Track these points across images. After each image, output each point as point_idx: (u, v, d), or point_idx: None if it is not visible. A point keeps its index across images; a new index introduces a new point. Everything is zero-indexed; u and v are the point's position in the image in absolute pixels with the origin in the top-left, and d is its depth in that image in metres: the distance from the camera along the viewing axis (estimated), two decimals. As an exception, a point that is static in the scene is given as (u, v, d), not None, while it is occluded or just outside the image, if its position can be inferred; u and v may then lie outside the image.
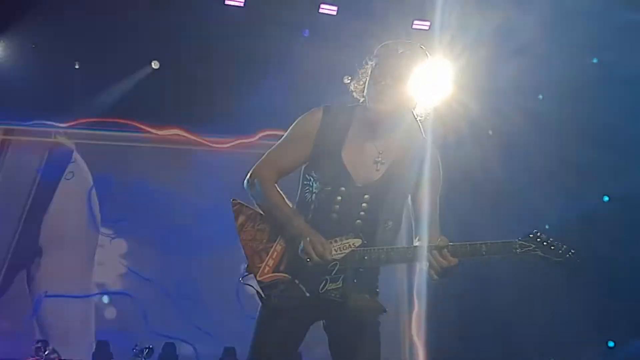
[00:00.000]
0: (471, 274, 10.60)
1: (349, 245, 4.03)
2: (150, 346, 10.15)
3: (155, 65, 11.03)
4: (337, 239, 4.03)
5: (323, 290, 4.04)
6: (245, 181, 4.20)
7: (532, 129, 9.99)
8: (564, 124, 9.97)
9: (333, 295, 4.05)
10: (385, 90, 4.07)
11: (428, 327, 11.34)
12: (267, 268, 4.06)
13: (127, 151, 12.00)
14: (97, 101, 11.26)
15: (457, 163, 10.08)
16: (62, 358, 9.98)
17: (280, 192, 4.18)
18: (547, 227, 10.12)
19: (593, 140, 9.81)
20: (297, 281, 4.04)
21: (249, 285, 4.12)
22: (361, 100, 4.21)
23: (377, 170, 4.12)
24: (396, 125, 4.15)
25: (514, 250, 3.98)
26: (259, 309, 4.17)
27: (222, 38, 10.09)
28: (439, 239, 4.04)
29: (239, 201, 4.18)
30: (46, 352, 9.81)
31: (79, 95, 11.15)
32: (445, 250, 3.97)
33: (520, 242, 3.99)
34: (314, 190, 4.12)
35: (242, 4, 9.72)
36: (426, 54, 4.22)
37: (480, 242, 3.97)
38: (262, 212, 4.16)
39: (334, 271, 4.02)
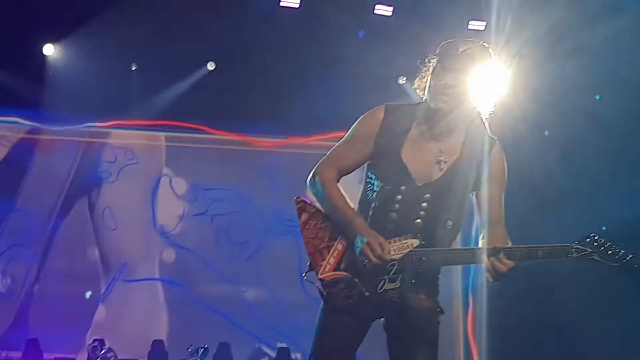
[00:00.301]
0: (533, 273, 10.56)
1: (407, 245, 4.04)
2: (206, 346, 10.21)
3: (210, 66, 11.11)
4: (396, 238, 4.04)
5: (381, 290, 4.06)
6: (308, 180, 4.24)
7: (592, 129, 9.87)
8: (623, 124, 9.84)
9: (391, 295, 4.06)
10: (445, 89, 4.05)
11: (487, 329, 11.24)
12: (328, 266, 4.09)
13: (185, 152, 12.08)
14: (153, 102, 11.36)
15: (515, 164, 9.97)
16: (119, 357, 10.08)
17: (342, 191, 4.19)
18: (603, 228, 10.05)
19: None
20: (356, 280, 4.05)
21: (311, 282, 4.16)
22: (423, 99, 4.18)
23: (440, 169, 4.10)
24: (457, 124, 4.13)
25: (570, 255, 3.94)
26: (320, 307, 4.21)
27: (277, 39, 10.12)
28: (500, 241, 4.03)
29: (302, 199, 4.23)
30: (102, 351, 9.92)
31: (136, 97, 11.26)
32: (502, 253, 3.95)
33: (576, 246, 3.94)
34: (375, 189, 4.12)
35: (297, 5, 9.74)
36: (489, 53, 4.19)
37: (537, 245, 3.95)
38: (324, 211, 4.21)
39: (392, 271, 4.03)
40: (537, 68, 9.74)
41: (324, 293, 4.10)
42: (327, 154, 4.25)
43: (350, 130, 4.22)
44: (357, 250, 3.99)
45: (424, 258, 4.03)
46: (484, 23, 9.59)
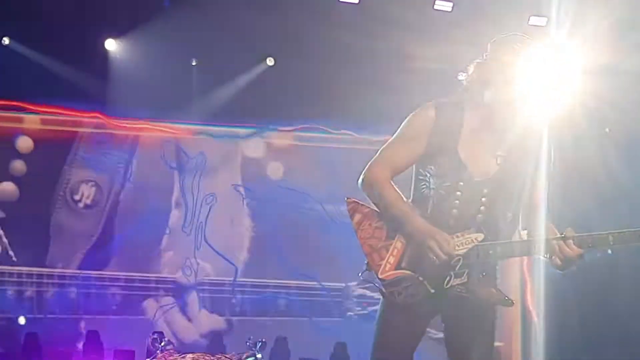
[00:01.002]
0: (592, 279, 10.47)
1: (472, 240, 4.06)
2: (264, 340, 10.27)
3: (270, 62, 11.16)
4: (459, 234, 4.06)
5: (448, 286, 4.08)
6: (360, 181, 4.23)
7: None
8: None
9: (459, 290, 4.09)
10: (497, 88, 4.11)
11: (545, 329, 11.16)
12: (389, 265, 4.09)
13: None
14: (212, 98, 11.44)
15: (575, 161, 9.91)
16: (178, 350, 10.18)
17: (397, 190, 4.20)
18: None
19: None
20: (420, 278, 4.07)
21: (370, 282, 4.17)
22: (475, 94, 4.20)
23: (497, 164, 4.14)
24: (511, 120, 4.16)
25: None
26: (379, 306, 4.24)
27: (335, 36, 10.14)
28: (566, 230, 4.07)
29: (353, 199, 4.22)
30: (162, 344, 10.02)
31: (196, 92, 11.35)
32: (571, 241, 4.00)
33: None
34: (432, 186, 4.14)
35: (357, 1, 9.75)
36: (542, 51, 4.16)
37: (607, 232, 4.00)
38: (378, 210, 4.19)
39: (458, 266, 4.05)
40: (599, 64, 9.63)
41: (386, 292, 4.10)
42: (378, 153, 4.23)
43: (400, 129, 4.22)
44: (426, 249, 3.99)
45: (491, 251, 4.06)
46: (545, 18, 9.51)
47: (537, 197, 4.25)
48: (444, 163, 4.12)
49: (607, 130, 10.46)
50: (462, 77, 11.08)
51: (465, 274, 4.08)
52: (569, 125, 9.75)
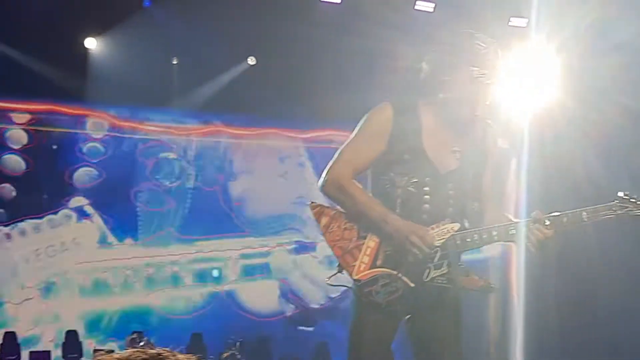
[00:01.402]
0: (571, 279, 10.54)
1: (448, 230, 4.10)
2: (242, 340, 10.28)
3: (251, 61, 11.16)
4: (434, 225, 4.08)
5: (428, 279, 4.09)
6: (323, 182, 4.15)
7: (631, 127, 9.81)
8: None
9: (440, 281, 4.11)
10: (451, 86, 4.13)
11: (525, 329, 11.21)
12: (363, 265, 4.05)
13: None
14: (193, 96, 11.43)
15: (554, 162, 9.97)
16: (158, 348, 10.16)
17: (363, 189, 4.17)
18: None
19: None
20: (399, 274, 4.06)
21: (336, 285, 4.15)
22: (429, 92, 4.22)
23: (457, 159, 4.18)
24: (464, 117, 4.18)
25: (613, 211, 4.15)
26: (352, 307, 4.20)
27: (317, 34, 10.14)
28: (534, 213, 4.12)
29: (318, 203, 4.18)
30: (141, 344, 10.00)
31: (176, 90, 11.34)
32: (547, 221, 4.07)
33: (618, 204, 4.17)
34: (398, 184, 4.12)
35: (338, 1, 9.76)
36: (498, 52, 4.20)
37: (580, 209, 4.11)
38: (344, 211, 4.14)
39: (437, 258, 4.07)
40: (577, 65, 9.69)
41: (364, 293, 4.06)
42: (338, 154, 4.18)
43: (359, 129, 4.18)
44: (407, 245, 4.00)
45: (468, 239, 4.10)
46: (526, 20, 9.55)
47: (488, 187, 4.28)
48: (410, 161, 4.13)
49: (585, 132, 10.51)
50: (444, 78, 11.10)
51: (444, 265, 4.10)
52: (549, 124, 9.83)
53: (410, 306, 4.16)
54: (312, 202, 4.18)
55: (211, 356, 10.33)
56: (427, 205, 4.12)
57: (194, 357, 2.15)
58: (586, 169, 10.12)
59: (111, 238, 11.73)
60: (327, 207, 4.16)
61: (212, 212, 12.17)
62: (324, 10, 9.85)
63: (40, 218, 11.46)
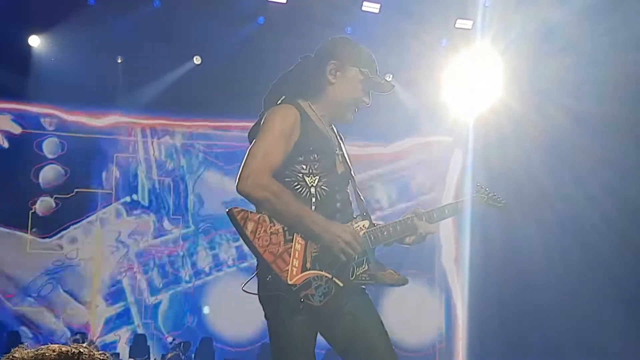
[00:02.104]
0: (513, 280, 10.63)
1: (360, 227, 4.13)
2: (187, 340, 10.24)
3: (197, 60, 11.09)
4: (348, 224, 4.10)
5: (353, 277, 4.09)
6: (243, 182, 3.99)
7: (575, 128, 9.93)
8: (607, 124, 9.89)
9: (363, 278, 4.12)
10: (361, 104, 4.31)
11: (468, 328, 11.29)
12: (295, 269, 3.98)
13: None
14: (138, 95, 11.33)
15: (499, 163, 10.05)
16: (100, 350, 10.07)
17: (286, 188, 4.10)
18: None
19: (635, 140, 9.74)
20: (329, 275, 4.03)
21: (251, 293, 4.03)
22: (317, 94, 4.28)
23: (340, 157, 4.25)
24: (345, 119, 4.34)
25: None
26: (270, 312, 4.09)
27: (263, 34, 10.11)
28: (415, 209, 4.32)
29: (241, 208, 4.01)
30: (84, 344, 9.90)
31: (121, 89, 11.23)
32: (424, 216, 4.27)
33: (476, 195, 4.62)
34: (312, 184, 4.11)
35: (284, 1, 9.73)
36: (367, 55, 4.36)
37: (445, 204, 4.48)
38: (270, 212, 4.03)
39: (357, 256, 4.07)
40: (522, 67, 9.78)
41: (300, 296, 3.96)
42: (251, 155, 4.04)
43: (268, 129, 4.09)
44: (342, 248, 3.98)
45: (379, 235, 4.17)
46: (471, 22, 9.61)
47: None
48: (319, 160, 4.12)
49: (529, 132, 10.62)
50: (388, 78, 11.25)
51: (364, 262, 4.12)
52: (494, 125, 9.90)
53: (341, 306, 4.10)
54: (234, 208, 3.99)
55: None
56: (339, 204, 4.14)
57: (109, 353, 2.12)
58: (530, 170, 10.23)
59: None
60: (251, 212, 4.01)
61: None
62: (271, 9, 9.81)
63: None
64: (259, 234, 3.96)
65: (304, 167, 4.10)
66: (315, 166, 4.10)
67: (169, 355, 9.90)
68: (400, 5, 9.45)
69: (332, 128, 4.36)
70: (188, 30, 10.18)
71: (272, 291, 3.98)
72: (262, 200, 3.99)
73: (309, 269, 4.01)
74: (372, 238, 4.15)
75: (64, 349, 2.10)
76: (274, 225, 4.00)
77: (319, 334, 4.14)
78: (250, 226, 3.96)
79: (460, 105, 10.39)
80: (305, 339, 4.08)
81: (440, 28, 9.63)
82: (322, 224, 4.01)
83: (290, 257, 3.98)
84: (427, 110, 10.65)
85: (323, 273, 4.03)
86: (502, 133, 10.21)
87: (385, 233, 4.19)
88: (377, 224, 4.23)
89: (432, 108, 10.54)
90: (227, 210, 3.98)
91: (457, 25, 9.69)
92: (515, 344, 10.69)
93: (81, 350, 2.09)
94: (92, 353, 2.09)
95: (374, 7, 9.55)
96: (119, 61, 11.09)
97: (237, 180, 3.98)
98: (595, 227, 10.17)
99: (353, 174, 4.30)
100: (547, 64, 9.57)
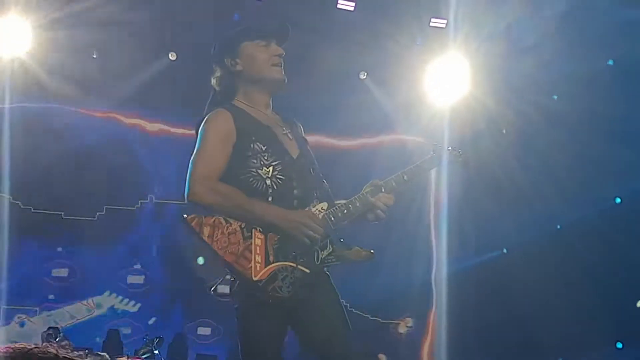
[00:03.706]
0: (491, 280, 10.67)
1: (320, 210, 4.20)
2: (161, 336, 10.19)
3: (172, 57, 11.03)
4: (307, 209, 4.17)
5: (319, 262, 4.15)
6: (192, 190, 4.09)
7: (548, 127, 9.97)
8: (579, 121, 9.94)
9: (330, 260, 4.20)
10: (257, 78, 4.44)
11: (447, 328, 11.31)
12: (259, 265, 4.01)
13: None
14: (112, 91, 11.22)
15: (474, 161, 10.07)
16: (74, 345, 10.03)
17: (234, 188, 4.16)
18: (558, 227, 10.19)
19: (609, 137, 9.79)
20: (294, 264, 4.07)
21: (222, 295, 4.09)
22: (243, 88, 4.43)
23: (291, 140, 4.36)
24: (273, 91, 4.54)
25: (434, 163, 4.69)
26: (238, 311, 4.14)
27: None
28: (371, 182, 4.42)
29: (193, 215, 4.05)
30: (57, 339, 9.85)
31: (96, 84, 11.11)
32: (382, 188, 4.36)
33: (433, 155, 4.66)
34: (265, 176, 4.16)
35: (258, -1, 9.71)
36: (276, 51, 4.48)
37: (403, 171, 4.48)
38: (221, 215, 4.07)
39: (319, 239, 4.14)
40: (495, 65, 9.82)
41: (268, 291, 3.99)
42: (196, 163, 4.14)
43: (206, 135, 4.20)
44: (302, 235, 4.05)
45: (339, 214, 4.23)
46: (445, 21, 9.63)
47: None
48: (270, 149, 4.21)
49: (504, 131, 10.65)
50: (363, 76, 11.21)
51: (328, 244, 4.19)
52: (468, 124, 9.94)
53: (309, 294, 4.15)
54: (187, 216, 4.04)
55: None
56: (296, 191, 4.19)
57: (69, 346, 2.11)
58: (505, 168, 10.27)
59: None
60: (205, 216, 4.04)
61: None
62: (245, 6, 9.78)
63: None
64: (216, 237, 3.99)
65: (254, 161, 4.17)
66: (265, 157, 4.17)
67: (142, 350, 9.86)
68: (375, 4, 9.46)
69: (275, 111, 4.47)
70: (162, 25, 10.13)
71: (240, 290, 4.03)
72: (213, 204, 4.06)
73: (272, 262, 4.04)
74: (333, 218, 4.20)
75: (35, 350, 2.09)
76: (231, 225, 4.04)
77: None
78: (206, 231, 3.99)
79: (435, 104, 10.41)
80: (275, 336, 4.14)
81: (414, 27, 9.63)
82: (278, 213, 4.07)
83: (251, 253, 4.00)
84: (402, 108, 10.66)
85: (287, 263, 4.07)
86: (477, 131, 10.25)
87: (345, 211, 4.24)
88: (337, 203, 4.27)
89: (407, 106, 10.55)
90: (183, 216, 4.02)
91: (431, 24, 9.71)
92: (494, 344, 10.72)
93: (35, 351, 2.07)
94: (46, 350, 2.07)
95: (349, 5, 9.54)
96: (94, 56, 11.00)
97: (185, 190, 4.06)
98: (572, 224, 10.23)
99: (310, 156, 4.38)
100: (521, 61, 9.61)
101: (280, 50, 4.43)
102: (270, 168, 4.16)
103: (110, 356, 9.31)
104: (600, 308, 9.95)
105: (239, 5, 9.87)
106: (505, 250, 11.04)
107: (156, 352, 9.88)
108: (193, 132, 4.31)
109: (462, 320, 10.83)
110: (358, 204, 4.29)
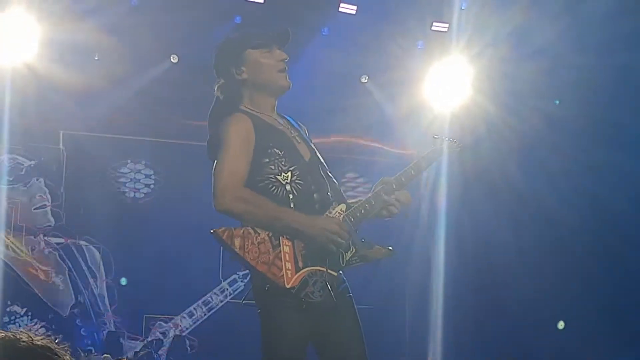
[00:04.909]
0: (488, 279, 10.67)
1: (339, 212, 4.21)
2: (160, 338, 10.19)
3: (173, 59, 11.02)
4: (328, 212, 4.19)
5: (344, 264, 4.19)
6: (220, 201, 4.07)
7: (549, 132, 9.99)
8: (580, 127, 9.96)
9: (354, 261, 4.23)
10: (262, 84, 4.41)
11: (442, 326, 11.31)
12: (289, 272, 4.03)
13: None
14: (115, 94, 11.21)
15: (473, 164, 10.08)
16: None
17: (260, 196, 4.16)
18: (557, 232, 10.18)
19: (610, 143, 9.80)
20: (323, 268, 4.09)
21: (251, 302, 4.13)
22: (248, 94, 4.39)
23: (300, 143, 4.35)
24: (277, 95, 4.50)
25: (436, 155, 4.65)
26: (263, 310, 4.15)
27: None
28: (381, 180, 4.40)
29: (223, 228, 4.05)
30: (56, 341, 9.85)
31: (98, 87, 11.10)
32: (393, 184, 4.36)
33: (435, 147, 4.63)
34: (284, 181, 4.16)
35: (262, 1, 9.70)
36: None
37: (409, 166, 4.49)
38: (253, 223, 4.08)
39: (345, 244, 4.16)
40: (497, 70, 9.82)
41: (301, 297, 4.02)
42: (220, 173, 4.12)
43: (227, 142, 4.17)
44: (329, 242, 4.06)
45: (358, 214, 4.23)
46: (447, 25, 9.64)
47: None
48: (286, 154, 4.21)
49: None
50: (364, 79, 11.20)
51: (350, 245, 4.19)
52: (469, 128, 9.94)
53: (338, 296, 4.18)
54: (216, 230, 4.04)
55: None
56: (316, 195, 4.21)
57: (49, 339, 2.09)
58: (504, 173, 10.27)
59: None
60: (235, 228, 4.06)
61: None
62: (247, 8, 9.77)
63: None
64: (247, 248, 4.01)
65: (272, 167, 4.16)
66: (282, 162, 4.17)
67: (141, 353, 9.89)
68: (376, 7, 9.46)
69: (281, 115, 4.46)
70: (164, 27, 10.12)
71: (274, 298, 4.04)
72: (242, 212, 4.06)
73: (302, 268, 4.06)
74: (352, 219, 4.20)
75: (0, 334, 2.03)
76: (259, 235, 4.05)
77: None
78: (237, 242, 4.01)
79: (436, 108, 10.42)
80: (299, 341, 4.15)
81: (416, 31, 9.64)
82: (305, 221, 4.08)
83: (282, 261, 4.03)
84: (403, 112, 10.67)
85: (316, 268, 4.09)
86: (477, 135, 10.25)
87: (362, 211, 4.25)
88: (352, 203, 4.28)
89: (408, 110, 10.56)
90: (211, 231, 4.01)
91: (433, 28, 9.71)
92: (491, 347, 10.72)
93: (19, 337, 2.06)
94: (31, 339, 2.06)
95: (350, 9, 9.54)
96: (96, 58, 10.98)
97: (213, 200, 4.05)
98: (571, 229, 10.23)
99: (320, 157, 4.37)
100: (522, 67, 9.62)
101: (284, 55, 4.42)
102: (289, 174, 4.16)
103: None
104: (599, 312, 9.96)
105: (239, 7, 9.85)
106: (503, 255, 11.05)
107: (155, 355, 9.90)
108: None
109: (459, 323, 10.85)
110: (374, 202, 4.30)
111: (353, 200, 4.37)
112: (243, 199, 4.07)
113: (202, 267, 10.98)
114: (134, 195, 11.46)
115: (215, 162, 4.16)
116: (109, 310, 11.13)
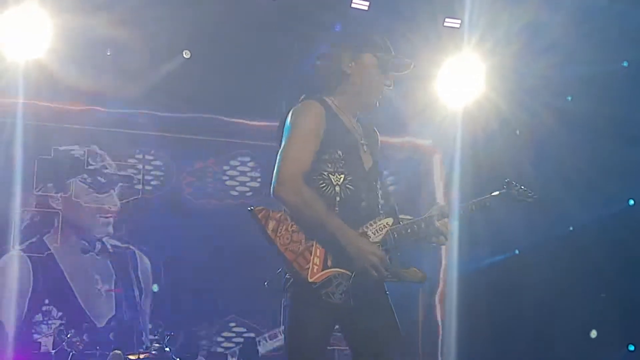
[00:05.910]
0: (503, 279, 10.65)
1: (384, 225, 4.16)
2: (172, 333, 10.18)
3: (186, 55, 11.03)
4: (371, 222, 4.14)
5: None
6: (278, 187, 4.05)
7: (562, 128, 9.95)
8: (593, 124, 9.92)
9: (387, 277, 4.15)
10: (383, 89, 4.37)
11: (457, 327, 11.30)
12: (316, 267, 4.01)
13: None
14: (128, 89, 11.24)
15: (486, 162, 10.07)
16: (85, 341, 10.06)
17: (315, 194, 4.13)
18: (571, 228, 10.15)
19: (623, 139, 9.76)
20: (350, 273, 4.05)
21: (280, 290, 4.13)
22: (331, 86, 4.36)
23: (365, 152, 4.31)
24: (369, 107, 4.41)
25: (498, 196, 4.61)
26: (288, 309, 4.15)
27: (251, 31, 10.07)
28: (440, 206, 4.39)
29: (261, 207, 4.04)
30: (68, 336, 9.90)
31: (111, 82, 11.13)
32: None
33: (505, 191, 4.64)
34: (336, 182, 4.14)
35: (275, -3, 9.70)
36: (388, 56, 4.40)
37: (483, 197, 4.54)
38: (295, 215, 4.06)
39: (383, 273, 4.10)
40: (509, 66, 9.80)
41: (321, 294, 4.00)
42: (284, 157, 4.08)
43: (295, 128, 4.13)
44: (362, 263, 4.01)
45: (403, 232, 4.19)
46: (459, 21, 9.62)
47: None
48: (344, 158, 4.17)
49: (517, 132, 10.63)
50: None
51: (387, 259, 4.12)
52: (481, 124, 9.92)
53: (360, 304, 4.13)
54: (256, 207, 4.02)
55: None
56: (364, 203, 4.17)
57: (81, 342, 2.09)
58: (517, 169, 10.23)
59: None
60: (273, 210, 4.04)
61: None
62: (259, 5, 9.76)
63: None
64: (280, 233, 4.00)
65: (329, 165, 4.16)
66: (340, 164, 4.16)
67: (153, 347, 9.90)
68: (389, 3, 9.45)
69: (359, 120, 4.42)
70: (176, 23, 10.13)
71: (293, 287, 4.07)
72: (293, 206, 4.03)
73: (330, 267, 4.03)
74: (396, 235, 4.16)
75: None
76: (294, 223, 4.05)
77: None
78: (271, 225, 4.00)
79: (448, 104, 10.41)
80: (322, 337, 4.15)
81: (428, 26, 9.62)
82: (349, 237, 4.04)
83: (311, 255, 4.01)
84: (415, 108, 10.66)
85: (344, 271, 4.05)
86: (489, 132, 10.23)
87: (409, 230, 4.21)
88: (403, 219, 4.24)
89: (420, 107, 10.55)
90: (248, 208, 4.01)
91: (445, 24, 9.70)
92: (504, 345, 10.70)
93: None
94: None
95: (363, 5, 9.53)
96: (108, 54, 11.00)
97: (272, 184, 4.05)
98: (584, 226, 10.20)
99: (381, 168, 4.37)
100: (535, 63, 9.60)
101: (391, 83, 4.38)
102: (342, 176, 4.14)
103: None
104: (612, 310, 9.93)
105: (251, 2, 9.83)
106: (517, 252, 11.03)
107: (167, 349, 9.90)
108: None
109: (473, 321, 10.82)
110: (423, 226, 4.26)
111: (404, 217, 4.31)
112: (299, 193, 4.03)
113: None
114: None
115: (283, 145, 4.14)
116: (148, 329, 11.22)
